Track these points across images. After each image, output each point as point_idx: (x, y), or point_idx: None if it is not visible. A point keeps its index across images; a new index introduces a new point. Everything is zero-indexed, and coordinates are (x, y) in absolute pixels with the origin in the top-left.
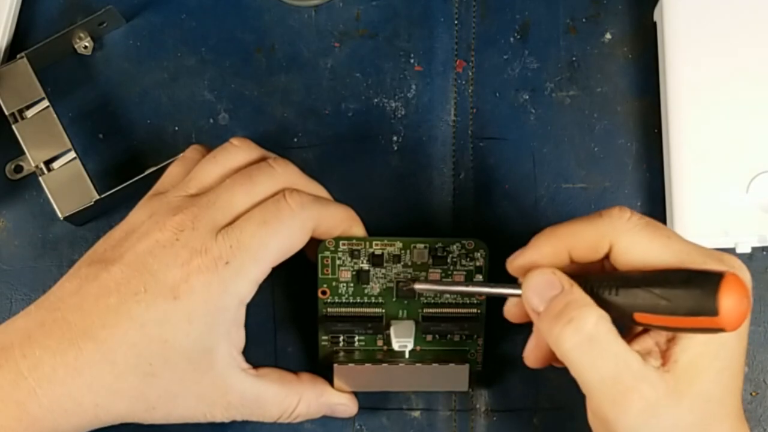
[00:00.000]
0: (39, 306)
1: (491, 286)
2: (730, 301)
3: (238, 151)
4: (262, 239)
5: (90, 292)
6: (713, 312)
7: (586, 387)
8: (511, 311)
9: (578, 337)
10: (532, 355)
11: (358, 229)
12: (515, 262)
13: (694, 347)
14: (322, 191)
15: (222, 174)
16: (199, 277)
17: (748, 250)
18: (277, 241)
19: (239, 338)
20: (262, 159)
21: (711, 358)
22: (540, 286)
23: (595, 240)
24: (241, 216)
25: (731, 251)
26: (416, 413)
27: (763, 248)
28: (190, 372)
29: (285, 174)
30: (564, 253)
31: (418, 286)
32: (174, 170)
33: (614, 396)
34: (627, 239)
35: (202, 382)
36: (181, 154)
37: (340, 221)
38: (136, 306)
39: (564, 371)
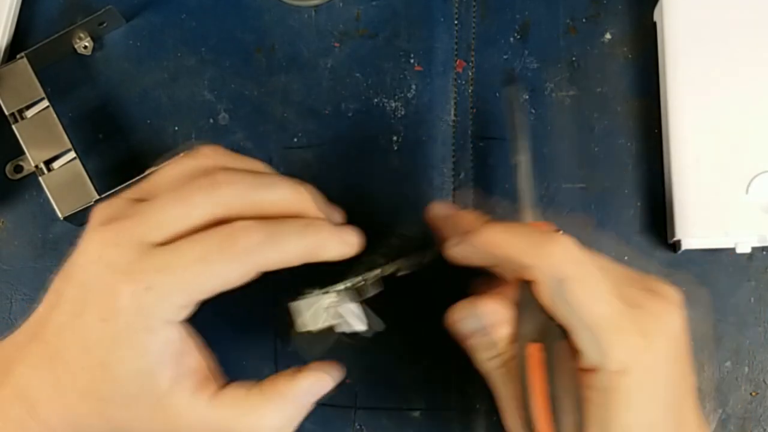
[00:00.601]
0: (31, 320)
1: (522, 184)
2: None
3: (201, 160)
4: (196, 275)
5: (54, 311)
6: None
7: None
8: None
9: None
10: None
11: (329, 252)
12: (450, 251)
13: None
14: (282, 195)
15: (174, 182)
16: (121, 299)
17: (748, 250)
18: (212, 281)
19: (191, 360)
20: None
21: (622, 410)
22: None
23: (518, 265)
24: (181, 237)
25: (731, 251)
26: (416, 413)
27: (763, 248)
28: (134, 398)
29: (229, 195)
30: (492, 260)
31: None
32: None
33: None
34: (554, 283)
35: (152, 409)
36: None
37: (295, 257)
38: (80, 328)
39: None
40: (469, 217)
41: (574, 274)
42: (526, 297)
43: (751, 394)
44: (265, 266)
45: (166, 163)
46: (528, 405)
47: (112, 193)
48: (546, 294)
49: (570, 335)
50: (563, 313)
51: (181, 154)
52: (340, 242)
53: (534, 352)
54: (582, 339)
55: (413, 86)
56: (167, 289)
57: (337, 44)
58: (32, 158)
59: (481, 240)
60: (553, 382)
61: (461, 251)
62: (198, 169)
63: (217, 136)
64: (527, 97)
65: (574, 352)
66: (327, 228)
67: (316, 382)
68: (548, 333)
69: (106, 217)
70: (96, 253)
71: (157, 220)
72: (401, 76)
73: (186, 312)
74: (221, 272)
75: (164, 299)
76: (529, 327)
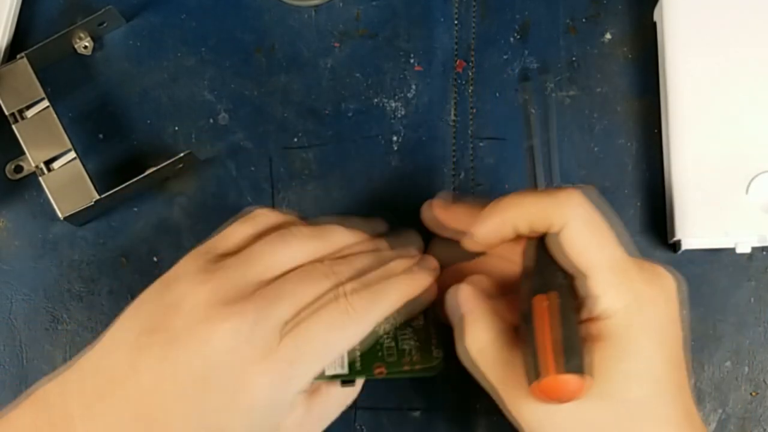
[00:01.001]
0: (95, 369)
1: (531, 166)
2: (535, 395)
3: (304, 240)
4: (328, 343)
5: (147, 370)
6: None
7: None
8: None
9: (471, 354)
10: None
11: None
12: (477, 239)
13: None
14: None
15: (291, 262)
16: (263, 377)
17: (748, 250)
18: (342, 344)
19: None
20: (326, 244)
21: (624, 360)
22: (451, 300)
23: (537, 218)
24: (305, 310)
25: (731, 251)
26: (416, 413)
27: (763, 248)
28: None
29: (347, 272)
30: (508, 226)
31: None
32: (238, 231)
33: (507, 397)
34: (569, 229)
35: None
36: (247, 215)
37: (398, 305)
38: (196, 395)
39: None
40: (467, 208)
41: (589, 217)
42: (536, 254)
43: (751, 394)
44: (378, 319)
45: (171, 161)
46: (535, 351)
47: (113, 193)
48: (564, 237)
49: (580, 282)
50: (578, 255)
51: (263, 213)
52: (424, 278)
53: (540, 302)
54: (594, 281)
55: (413, 86)
56: (308, 363)
57: (337, 44)
58: (32, 158)
59: (501, 206)
60: (558, 329)
61: (483, 231)
62: (317, 252)
63: (217, 136)
64: (527, 97)
65: (580, 303)
66: (411, 272)
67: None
68: (555, 287)
69: (226, 298)
70: (234, 330)
71: (289, 299)
72: (401, 76)
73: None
74: (348, 336)
75: (305, 374)
76: (537, 284)
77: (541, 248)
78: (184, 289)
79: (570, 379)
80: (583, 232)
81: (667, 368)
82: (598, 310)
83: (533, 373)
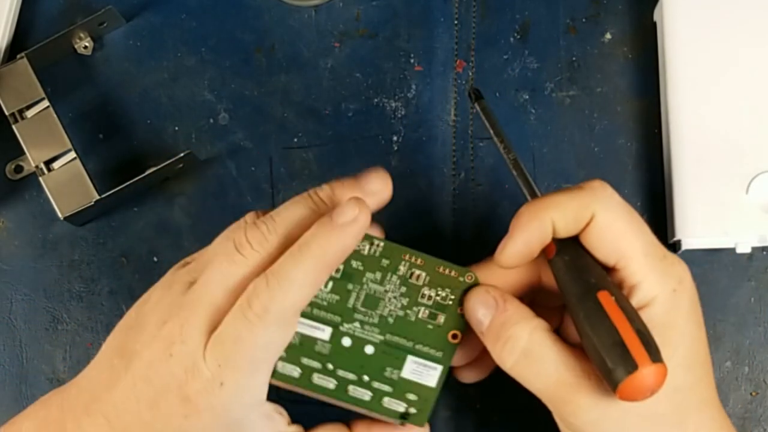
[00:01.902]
0: (85, 385)
1: (524, 177)
2: (625, 392)
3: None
4: (246, 356)
5: (118, 392)
6: (613, 385)
7: (537, 395)
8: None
9: (515, 355)
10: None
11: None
12: (507, 253)
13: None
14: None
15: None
16: (201, 400)
17: (748, 250)
18: (260, 353)
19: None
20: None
21: (672, 348)
22: (476, 307)
23: (577, 211)
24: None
25: (731, 251)
26: None
27: (763, 248)
28: None
29: (262, 252)
30: (549, 226)
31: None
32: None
33: (563, 397)
34: (607, 216)
35: None
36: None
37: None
38: (154, 419)
39: None
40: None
41: (623, 205)
42: (572, 255)
43: (751, 394)
44: (298, 311)
45: (171, 161)
46: (623, 345)
47: (113, 193)
48: (601, 227)
49: (620, 272)
50: (616, 243)
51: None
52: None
53: (607, 298)
54: (633, 269)
55: (413, 86)
56: (236, 381)
57: (337, 44)
58: (32, 158)
59: (536, 210)
60: (635, 321)
61: (523, 238)
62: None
63: (217, 136)
64: (527, 97)
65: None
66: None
67: None
68: (604, 283)
69: (167, 307)
70: (164, 351)
71: (206, 303)
72: (401, 76)
73: (265, 388)
74: (261, 340)
75: (242, 391)
76: (587, 282)
77: (574, 249)
78: (148, 309)
79: (661, 368)
80: (619, 220)
81: (706, 349)
82: (638, 297)
83: (623, 368)
